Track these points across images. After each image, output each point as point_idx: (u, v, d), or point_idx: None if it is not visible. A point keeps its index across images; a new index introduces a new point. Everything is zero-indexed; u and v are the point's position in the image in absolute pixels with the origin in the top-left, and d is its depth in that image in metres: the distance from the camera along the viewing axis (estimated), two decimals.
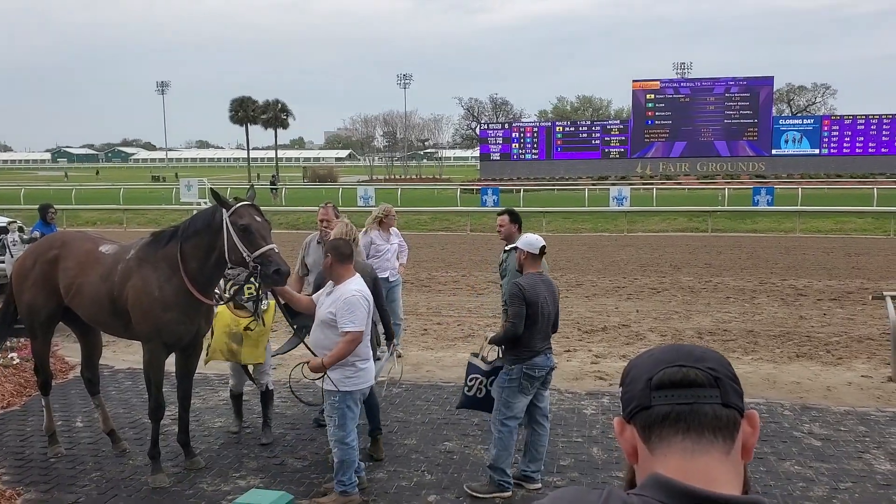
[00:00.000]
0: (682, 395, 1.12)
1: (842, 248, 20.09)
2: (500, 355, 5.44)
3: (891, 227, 24.16)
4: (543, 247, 5.39)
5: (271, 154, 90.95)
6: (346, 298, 4.82)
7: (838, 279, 14.85)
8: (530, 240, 5.39)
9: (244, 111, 77.73)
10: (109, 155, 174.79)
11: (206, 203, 32.10)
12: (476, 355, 5.63)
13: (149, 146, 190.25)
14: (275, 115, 78.62)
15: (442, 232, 26.47)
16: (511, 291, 5.26)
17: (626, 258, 18.47)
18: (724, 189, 36.55)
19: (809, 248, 20.22)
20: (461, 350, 9.24)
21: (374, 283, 5.65)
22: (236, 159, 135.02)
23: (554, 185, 49.36)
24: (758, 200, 28.75)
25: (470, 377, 5.54)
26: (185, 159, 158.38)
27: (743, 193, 34.18)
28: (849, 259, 17.95)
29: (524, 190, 38.51)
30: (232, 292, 5.78)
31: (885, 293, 8.39)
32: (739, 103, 54.02)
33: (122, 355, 9.01)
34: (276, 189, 44.10)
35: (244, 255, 5.02)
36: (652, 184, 44.86)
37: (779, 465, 5.63)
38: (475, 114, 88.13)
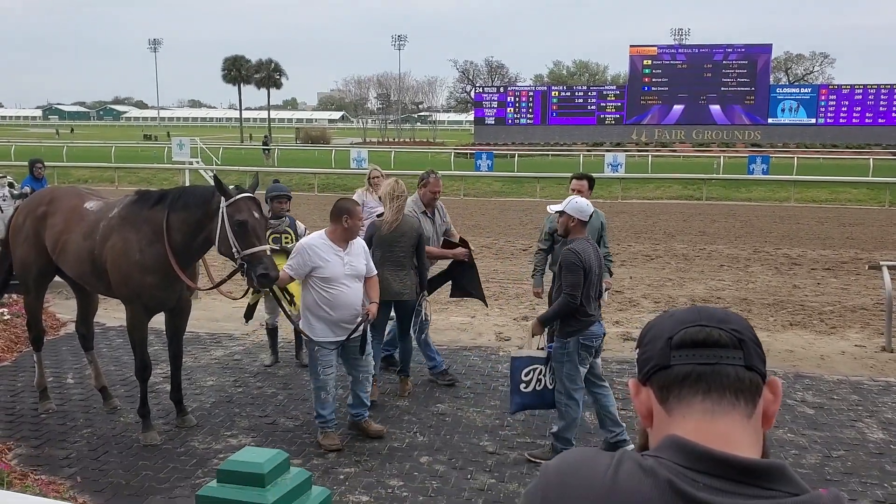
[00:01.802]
0: (704, 355, 1.07)
1: (836, 218, 20.10)
2: (548, 338, 5.20)
3: (886, 198, 24.16)
4: (593, 213, 5.20)
5: (264, 114, 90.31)
6: (364, 247, 5.51)
7: (832, 249, 14.86)
8: (580, 205, 5.07)
9: (237, 70, 76.95)
10: (101, 113, 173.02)
11: (198, 162, 31.89)
12: (520, 349, 5.39)
13: (141, 104, 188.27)
14: (268, 75, 77.86)
15: None
16: (567, 259, 4.92)
17: (620, 225, 18.41)
18: (720, 157, 36.53)
19: (804, 217, 20.22)
20: (454, 314, 9.21)
21: (420, 237, 6.17)
22: (228, 119, 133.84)
23: (549, 150, 49.14)
24: (753, 169, 28.71)
25: (524, 371, 5.16)
26: (177, 118, 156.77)
27: (738, 162, 34.16)
28: (843, 229, 17.96)
29: (518, 155, 38.32)
30: (272, 240, 5.95)
31: (882, 263, 8.36)
32: (737, 71, 53.69)
33: (114, 312, 8.94)
34: (268, 150, 43.77)
35: (234, 250, 4.87)
36: (647, 151, 44.79)
37: (772, 433, 5.63)
38: (470, 77, 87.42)
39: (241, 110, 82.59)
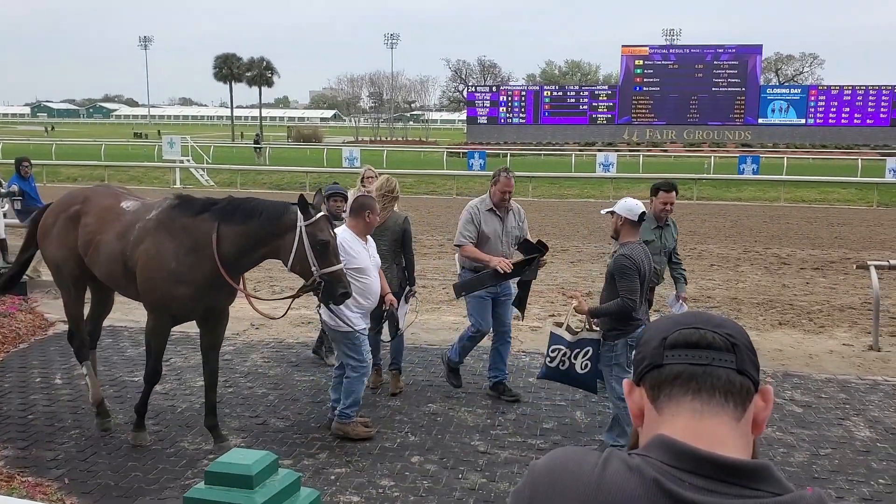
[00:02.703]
0: (697, 356, 1.09)
1: (825, 218, 20.20)
2: (589, 327, 5.19)
3: (873, 198, 24.30)
4: (643, 213, 5.02)
5: (255, 113, 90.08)
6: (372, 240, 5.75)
7: (821, 248, 14.94)
8: (630, 205, 4.98)
9: (228, 68, 76.75)
10: (91, 110, 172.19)
11: (188, 160, 31.79)
12: (560, 325, 5.36)
13: (131, 102, 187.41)
14: (259, 73, 77.72)
15: (427, 195, 26.34)
16: (621, 264, 4.88)
17: (611, 225, 18.45)
18: (711, 157, 36.62)
19: (793, 217, 20.32)
20: (446, 313, 9.22)
21: (405, 232, 6.30)
22: (220, 117, 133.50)
23: (541, 149, 49.22)
24: (743, 169, 28.85)
25: (552, 348, 5.26)
26: (168, 116, 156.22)
27: (729, 162, 34.29)
28: (832, 229, 18.06)
29: (511, 154, 38.37)
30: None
31: (869, 263, 8.42)
32: (728, 71, 53.91)
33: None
34: (259, 148, 43.69)
35: (313, 268, 4.79)
36: (638, 151, 44.91)
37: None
38: (463, 76, 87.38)
39: (232, 108, 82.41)
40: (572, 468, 1.07)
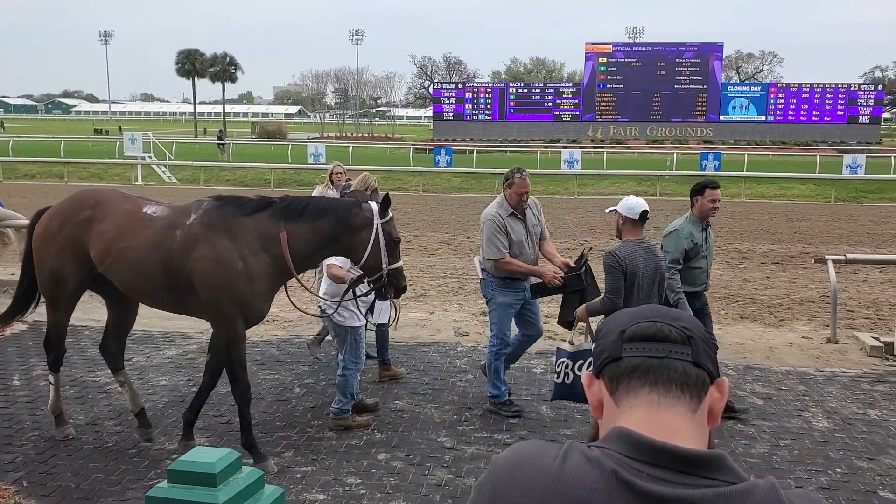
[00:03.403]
0: (654, 349, 1.11)
1: (785, 214, 20.59)
2: (591, 338, 5.05)
3: (831, 194, 24.83)
4: (645, 212, 4.88)
5: (219, 109, 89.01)
6: None
7: (781, 243, 15.22)
8: (630, 203, 4.91)
9: (191, 64, 75.69)
10: (49, 106, 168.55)
11: (150, 157, 31.31)
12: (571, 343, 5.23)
13: (91, 98, 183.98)
14: (223, 69, 76.78)
15: (394, 192, 26.21)
16: (607, 262, 4.84)
17: (576, 221, 18.64)
18: (673, 154, 37.07)
19: (754, 212, 20.67)
20: (413, 310, 9.22)
21: None
22: (182, 113, 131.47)
23: (507, 146, 49.37)
24: (705, 165, 29.30)
25: (558, 363, 5.16)
26: (130, 112, 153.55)
27: (691, 158, 34.75)
28: (791, 224, 18.41)
29: (477, 151, 38.44)
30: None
31: (827, 257, 8.60)
32: (690, 69, 54.55)
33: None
34: (223, 145, 43.18)
35: (384, 264, 4.89)
36: (602, 147, 45.25)
37: (722, 424, 5.73)
38: (428, 72, 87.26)
39: (195, 104, 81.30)
40: (533, 461, 1.08)
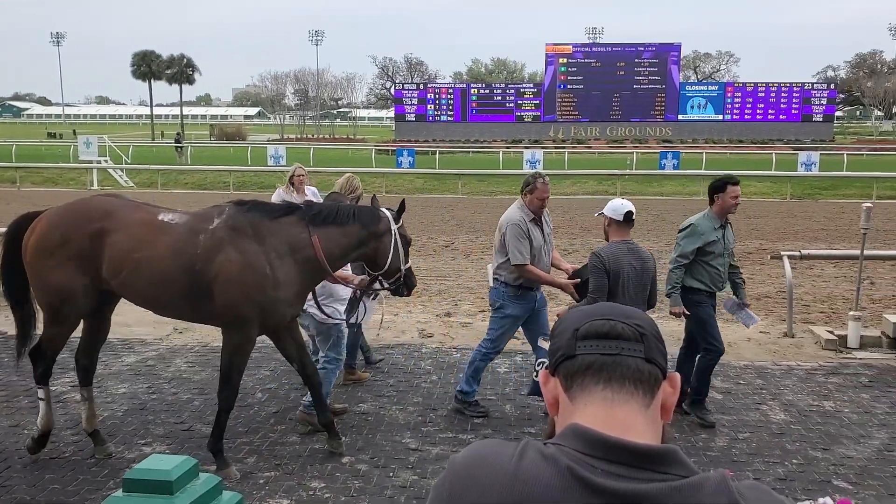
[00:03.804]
0: (607, 346, 1.13)
1: (742, 211, 20.82)
2: None
3: (787, 191, 25.34)
4: (629, 213, 4.87)
5: (176, 111, 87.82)
6: None
7: (738, 240, 15.36)
8: (615, 205, 4.92)
9: (147, 66, 74.69)
10: (0, 109, 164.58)
11: (106, 161, 30.76)
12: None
13: (44, 101, 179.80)
14: (180, 71, 75.90)
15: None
16: (590, 262, 4.83)
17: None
18: (633, 153, 37.50)
19: None
20: (375, 312, 9.16)
21: None
22: (139, 116, 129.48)
23: (469, 147, 49.49)
24: (664, 164, 29.70)
25: (538, 361, 5.19)
26: (84, 115, 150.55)
27: (651, 157, 35.17)
28: (748, 221, 18.74)
29: (440, 152, 38.47)
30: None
31: (782, 253, 8.77)
32: (648, 69, 55.31)
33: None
34: (181, 148, 42.60)
35: (401, 265, 5.13)
36: (564, 147, 45.63)
37: (683, 419, 5.84)
38: (390, 73, 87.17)
39: (151, 107, 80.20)
40: (490, 460, 1.09)
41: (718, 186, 5.96)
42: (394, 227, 5.09)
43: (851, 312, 7.94)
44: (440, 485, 1.13)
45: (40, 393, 5.13)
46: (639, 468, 1.03)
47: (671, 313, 5.91)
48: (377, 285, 5.42)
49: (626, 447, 1.04)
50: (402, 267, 5.15)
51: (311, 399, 5.37)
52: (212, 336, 8.09)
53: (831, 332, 8.06)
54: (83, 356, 5.32)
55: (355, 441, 5.43)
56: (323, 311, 5.44)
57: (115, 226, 4.74)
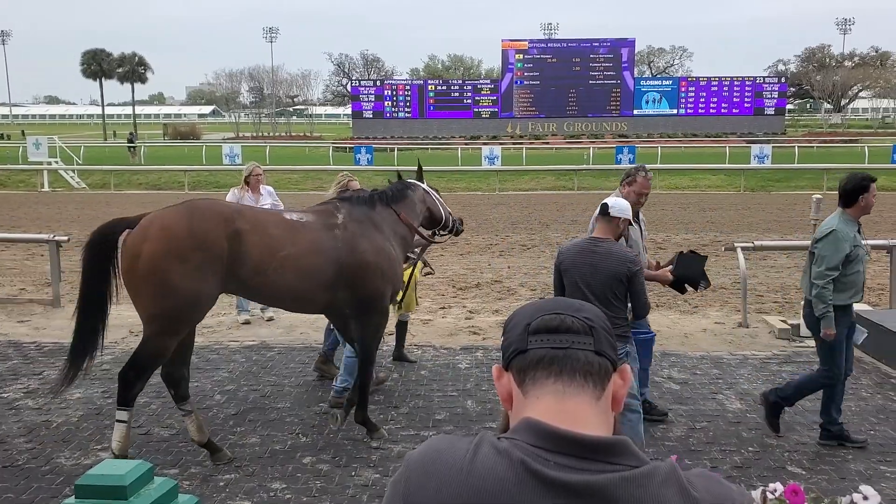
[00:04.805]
0: (558, 340, 1.14)
1: (697, 204, 21.30)
2: None
3: (741, 184, 25.82)
4: (604, 205, 4.55)
5: (129, 110, 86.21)
6: None
7: (694, 232, 15.75)
8: (605, 201, 4.65)
9: (98, 65, 73.19)
10: None
11: (57, 162, 30.05)
12: None
13: None
14: (132, 69, 74.54)
15: (314, 192, 25.97)
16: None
17: (498, 216, 18.82)
18: (590, 148, 37.86)
19: (668, 203, 21.29)
20: None
21: None
22: (90, 116, 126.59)
23: (428, 143, 49.45)
24: (620, 159, 30.00)
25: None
26: (33, 115, 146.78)
27: (607, 152, 35.53)
28: (703, 213, 19.07)
29: (398, 148, 38.38)
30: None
31: (736, 245, 8.94)
32: (603, 64, 55.83)
33: None
34: (134, 147, 41.83)
35: (450, 216, 6.08)
36: (522, 143, 45.85)
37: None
38: (346, 70, 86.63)
39: (103, 106, 78.58)
40: (445, 456, 1.10)
41: (862, 186, 5.16)
42: (425, 185, 6.03)
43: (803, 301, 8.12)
44: (396, 482, 1.13)
45: (124, 416, 4.75)
46: (590, 460, 1.05)
47: (824, 335, 5.22)
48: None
49: (577, 439, 1.06)
50: (449, 216, 6.07)
51: (341, 384, 5.94)
52: None
53: (785, 322, 8.25)
54: (178, 368, 4.98)
55: (316, 441, 5.40)
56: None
57: (249, 226, 4.74)
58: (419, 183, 6.00)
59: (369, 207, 5.38)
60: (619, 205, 4.58)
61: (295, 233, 4.93)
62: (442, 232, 6.14)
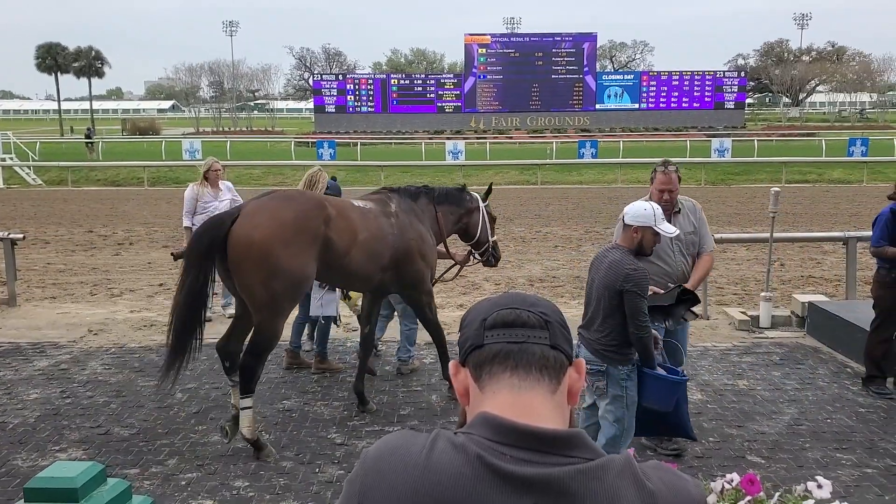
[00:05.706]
0: (513, 335, 1.15)
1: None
2: None
3: (701, 177, 26.17)
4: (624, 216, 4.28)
5: (86, 105, 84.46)
6: None
7: None
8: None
9: (53, 59, 71.58)
10: None
11: (11, 158, 29.38)
12: None
13: None
14: (88, 64, 73.08)
15: (276, 187, 25.73)
16: None
17: None
18: (553, 143, 38.08)
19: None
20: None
21: None
22: (46, 111, 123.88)
23: (391, 138, 49.30)
24: (583, 153, 30.27)
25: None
26: None
27: (570, 147, 35.79)
28: None
29: (361, 143, 38.19)
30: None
31: None
32: (566, 59, 56.09)
33: None
34: (91, 143, 41.03)
35: (490, 238, 6.45)
36: (485, 138, 45.94)
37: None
38: (307, 64, 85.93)
39: (59, 101, 76.91)
40: (401, 452, 1.10)
41: None
42: (482, 205, 6.40)
43: (763, 294, 8.26)
44: (353, 479, 1.13)
45: (249, 402, 4.99)
46: (546, 453, 1.05)
47: None
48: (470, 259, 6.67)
49: (532, 433, 1.06)
50: (490, 239, 6.43)
51: (405, 353, 6.71)
52: (128, 337, 7.85)
53: (744, 313, 8.38)
54: (234, 343, 5.29)
55: (279, 438, 5.36)
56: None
57: (335, 212, 5.22)
58: (477, 196, 6.42)
59: (413, 200, 5.94)
60: (632, 211, 4.23)
61: (367, 220, 5.48)
62: (476, 252, 6.57)
